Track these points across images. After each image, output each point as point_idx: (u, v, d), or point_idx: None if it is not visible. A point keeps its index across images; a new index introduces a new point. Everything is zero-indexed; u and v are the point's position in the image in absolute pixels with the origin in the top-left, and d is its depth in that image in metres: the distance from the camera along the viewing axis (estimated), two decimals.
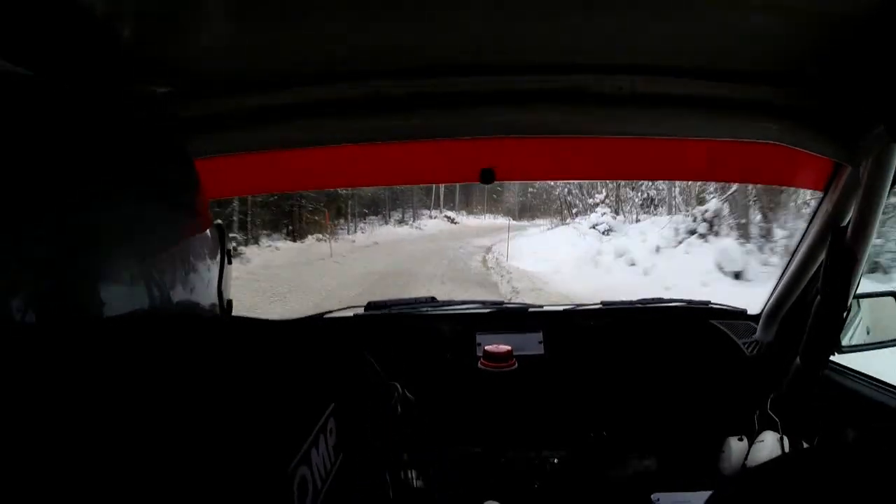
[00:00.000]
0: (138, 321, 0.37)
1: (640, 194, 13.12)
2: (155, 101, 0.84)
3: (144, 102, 0.84)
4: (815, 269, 1.13)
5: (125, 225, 0.37)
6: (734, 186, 8.33)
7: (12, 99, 0.34)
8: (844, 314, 1.04)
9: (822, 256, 1.05)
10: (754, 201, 8.24)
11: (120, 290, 0.36)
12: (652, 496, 1.14)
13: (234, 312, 0.60)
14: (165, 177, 0.43)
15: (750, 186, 7.88)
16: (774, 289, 1.27)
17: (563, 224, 16.64)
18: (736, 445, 1.24)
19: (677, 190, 11.84)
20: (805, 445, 1.16)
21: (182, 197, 0.44)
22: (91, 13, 0.59)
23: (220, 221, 0.53)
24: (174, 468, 0.29)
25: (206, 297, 0.47)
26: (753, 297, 1.49)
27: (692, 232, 8.68)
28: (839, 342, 1.09)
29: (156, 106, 0.85)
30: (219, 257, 0.51)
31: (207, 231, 0.48)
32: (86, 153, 0.36)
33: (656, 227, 9.73)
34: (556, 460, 1.32)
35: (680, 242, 8.68)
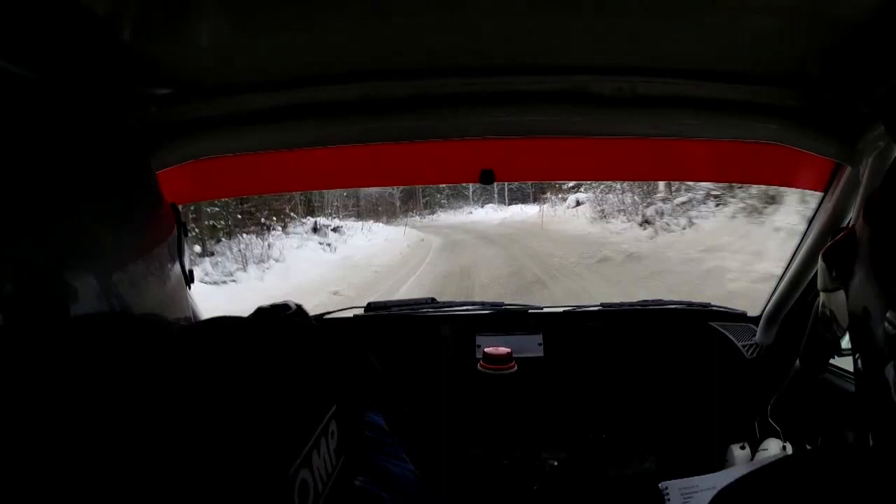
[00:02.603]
0: (124, 323, 0.37)
1: None
2: (155, 102, 0.84)
3: (144, 103, 0.84)
4: (815, 270, 1.13)
5: (92, 229, 0.37)
6: None
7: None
8: None
9: None
10: None
11: (99, 291, 0.36)
12: (660, 485, 1.13)
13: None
14: (123, 182, 0.42)
15: None
16: (774, 290, 1.27)
17: None
18: (739, 454, 1.22)
19: None
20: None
21: (143, 200, 0.44)
22: (91, 14, 0.59)
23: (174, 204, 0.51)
24: (175, 471, 0.29)
25: (178, 294, 0.46)
26: None
27: None
28: (839, 345, 1.09)
29: (155, 106, 0.85)
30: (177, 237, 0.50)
31: (172, 231, 0.47)
32: (51, 157, 0.35)
33: None
34: (555, 462, 1.32)
35: None
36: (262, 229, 11.18)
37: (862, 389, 0.47)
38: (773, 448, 1.17)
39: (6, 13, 0.50)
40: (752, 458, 1.21)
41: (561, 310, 1.48)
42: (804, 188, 1.13)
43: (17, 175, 0.32)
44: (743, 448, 1.23)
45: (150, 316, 0.41)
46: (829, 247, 0.53)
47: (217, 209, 10.33)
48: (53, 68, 0.60)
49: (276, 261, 10.06)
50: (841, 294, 0.51)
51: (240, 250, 9.73)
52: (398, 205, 25.59)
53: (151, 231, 0.43)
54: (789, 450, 1.15)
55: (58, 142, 0.36)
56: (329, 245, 12.16)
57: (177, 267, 0.47)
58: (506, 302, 1.53)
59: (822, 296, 0.62)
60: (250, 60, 0.78)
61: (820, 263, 0.55)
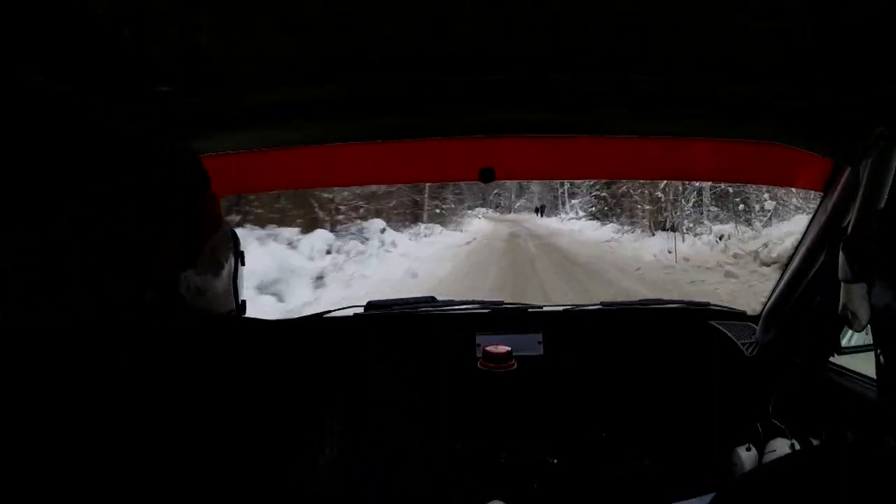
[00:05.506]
0: (155, 324, 0.37)
1: None
2: (155, 101, 0.84)
3: (145, 102, 0.84)
4: (815, 269, 1.13)
5: (145, 232, 0.37)
6: None
7: (41, 116, 0.34)
8: None
9: (822, 257, 1.05)
10: None
11: (134, 295, 0.36)
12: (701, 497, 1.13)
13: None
14: (181, 182, 0.43)
15: None
16: (774, 289, 1.27)
17: None
18: (745, 456, 1.22)
19: None
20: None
21: (197, 201, 0.44)
22: (91, 13, 0.59)
23: (233, 229, 0.53)
24: (185, 471, 0.30)
25: (224, 297, 0.47)
26: None
27: None
28: (839, 343, 1.09)
29: (156, 105, 0.85)
30: (233, 259, 0.51)
31: (223, 229, 0.48)
32: (98, 163, 0.36)
33: None
34: (555, 461, 1.32)
35: None
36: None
37: (884, 384, 0.46)
38: (780, 448, 1.16)
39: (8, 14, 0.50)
40: (759, 459, 1.20)
41: (560, 309, 1.48)
42: (804, 188, 1.13)
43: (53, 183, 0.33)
44: (749, 450, 1.23)
45: (199, 312, 0.41)
46: (850, 238, 0.51)
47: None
48: (58, 67, 0.60)
49: None
50: (861, 287, 0.50)
51: None
52: None
53: (203, 230, 0.44)
54: (797, 448, 1.15)
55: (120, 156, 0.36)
56: None
57: (227, 267, 0.48)
58: (505, 301, 1.53)
59: (841, 287, 0.61)
60: (250, 59, 0.78)
61: (840, 254, 0.54)
